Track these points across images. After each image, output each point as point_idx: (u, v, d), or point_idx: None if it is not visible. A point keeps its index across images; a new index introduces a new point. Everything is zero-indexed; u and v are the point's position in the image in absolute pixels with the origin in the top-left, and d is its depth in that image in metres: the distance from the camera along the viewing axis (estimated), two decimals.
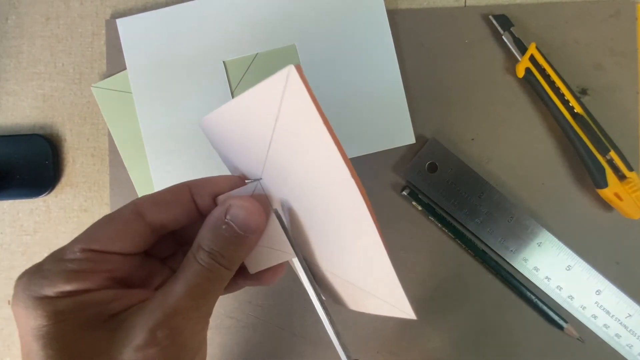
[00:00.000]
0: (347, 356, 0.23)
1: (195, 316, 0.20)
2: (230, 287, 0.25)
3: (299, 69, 0.17)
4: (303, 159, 0.20)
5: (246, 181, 0.24)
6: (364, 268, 0.22)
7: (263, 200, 0.23)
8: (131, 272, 0.22)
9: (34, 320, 0.18)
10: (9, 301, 0.37)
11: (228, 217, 0.21)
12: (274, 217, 0.23)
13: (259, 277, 0.25)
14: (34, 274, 0.20)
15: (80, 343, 0.19)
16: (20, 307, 0.19)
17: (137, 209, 0.22)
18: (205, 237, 0.21)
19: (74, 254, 0.20)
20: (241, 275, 0.24)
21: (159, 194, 0.23)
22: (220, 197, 0.23)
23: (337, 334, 0.23)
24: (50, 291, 0.19)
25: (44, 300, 0.19)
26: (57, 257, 0.20)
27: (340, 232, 0.21)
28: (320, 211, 0.21)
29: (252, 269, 0.24)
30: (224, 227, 0.21)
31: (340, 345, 0.23)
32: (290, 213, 0.23)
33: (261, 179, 0.23)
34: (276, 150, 0.21)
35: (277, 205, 0.23)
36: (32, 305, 0.19)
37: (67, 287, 0.19)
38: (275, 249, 0.23)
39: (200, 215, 0.23)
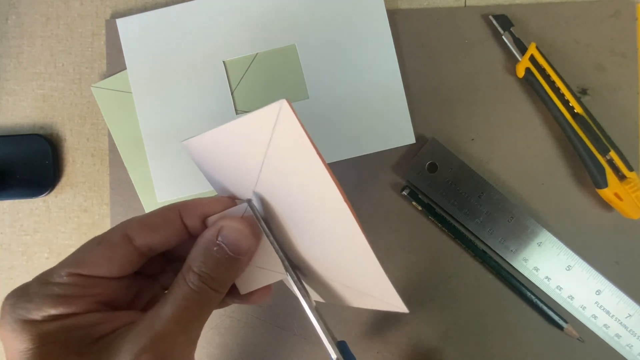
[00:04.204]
0: (332, 339, 0.23)
1: (183, 340, 0.20)
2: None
3: (289, 103, 0.19)
4: (295, 182, 0.21)
5: (236, 201, 0.24)
6: (357, 272, 0.23)
7: (253, 222, 0.23)
8: (119, 294, 0.22)
9: (20, 344, 0.19)
10: None
11: (220, 238, 0.21)
12: (264, 237, 0.23)
13: (248, 296, 0.25)
14: (20, 297, 0.20)
15: None
16: (7, 330, 0.19)
17: (126, 232, 0.21)
18: (196, 258, 0.21)
19: (60, 278, 0.20)
20: (229, 294, 0.24)
21: (148, 217, 0.22)
22: (211, 218, 0.23)
23: (325, 325, 0.24)
24: (36, 315, 0.19)
25: (30, 323, 0.19)
26: (43, 280, 0.20)
27: (333, 244, 0.22)
28: (312, 226, 0.22)
29: (243, 289, 0.24)
30: (215, 248, 0.21)
31: (325, 331, 0.23)
32: (280, 229, 0.24)
33: (251, 199, 0.23)
34: (267, 174, 0.22)
35: (268, 221, 0.24)
36: (18, 328, 0.19)
37: (53, 311, 0.19)
38: (267, 269, 0.24)
39: (190, 236, 0.23)
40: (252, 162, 0.22)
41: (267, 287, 0.25)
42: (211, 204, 0.23)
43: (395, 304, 0.23)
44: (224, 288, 0.22)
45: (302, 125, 0.19)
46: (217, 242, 0.21)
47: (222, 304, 0.25)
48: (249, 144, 0.21)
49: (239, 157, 0.22)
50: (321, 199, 0.21)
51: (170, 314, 0.20)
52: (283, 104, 0.19)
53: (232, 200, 0.24)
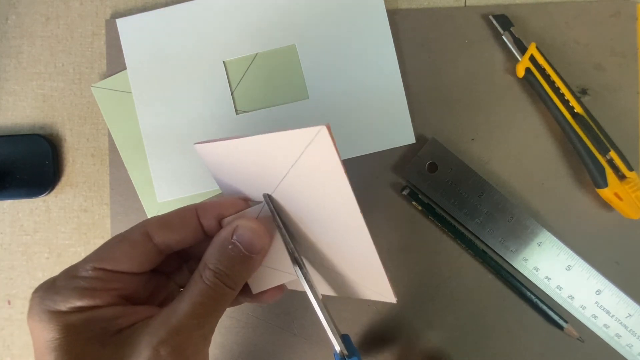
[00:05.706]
0: (337, 332, 0.24)
1: (199, 334, 0.21)
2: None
3: (329, 129, 0.20)
4: (317, 192, 0.22)
5: (249, 202, 0.25)
6: (358, 263, 0.25)
7: (267, 223, 0.24)
8: (138, 289, 0.23)
9: (48, 333, 0.20)
10: (9, 301, 0.37)
11: (235, 237, 0.22)
12: (278, 239, 0.24)
13: (259, 296, 0.26)
14: (49, 289, 0.21)
15: (90, 357, 0.20)
16: (35, 321, 0.20)
17: (146, 230, 0.23)
18: (212, 256, 0.22)
19: (86, 272, 0.21)
20: (241, 293, 0.25)
21: (167, 217, 0.24)
22: (227, 219, 0.24)
23: (330, 317, 0.24)
24: (62, 306, 0.20)
25: (56, 314, 0.20)
26: (70, 273, 0.21)
27: (342, 238, 0.24)
28: (326, 223, 0.24)
29: (255, 288, 0.26)
30: (230, 247, 0.22)
31: (330, 323, 0.24)
32: (291, 224, 0.25)
33: (268, 195, 0.24)
34: (288, 182, 0.23)
35: (281, 218, 0.25)
36: (46, 319, 0.20)
37: (79, 303, 0.21)
38: (278, 270, 0.25)
39: (206, 236, 0.24)
40: (275, 172, 0.23)
41: (279, 288, 0.26)
42: (227, 205, 0.24)
43: (386, 295, 0.25)
44: (238, 285, 0.23)
45: (336, 149, 0.20)
46: (232, 240, 0.22)
47: (234, 302, 0.26)
48: (277, 156, 0.22)
49: (261, 165, 0.23)
50: (339, 206, 0.22)
51: (187, 309, 0.21)
52: (322, 129, 0.20)
53: (247, 202, 0.25)
